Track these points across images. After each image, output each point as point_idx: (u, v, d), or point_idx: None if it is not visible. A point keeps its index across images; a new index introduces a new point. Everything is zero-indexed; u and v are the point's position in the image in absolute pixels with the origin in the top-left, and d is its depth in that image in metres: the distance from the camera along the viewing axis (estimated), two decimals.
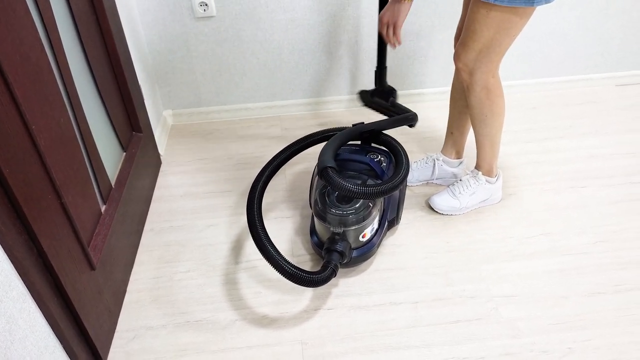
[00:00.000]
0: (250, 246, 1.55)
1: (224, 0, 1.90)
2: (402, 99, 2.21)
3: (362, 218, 1.35)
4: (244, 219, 1.66)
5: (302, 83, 2.16)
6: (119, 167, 1.53)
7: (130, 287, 1.44)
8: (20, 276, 0.93)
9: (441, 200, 1.62)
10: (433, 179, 1.74)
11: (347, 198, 1.37)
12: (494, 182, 1.62)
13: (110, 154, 1.47)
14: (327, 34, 2.03)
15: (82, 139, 1.25)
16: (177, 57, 2.03)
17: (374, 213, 1.38)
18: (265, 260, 1.25)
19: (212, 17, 1.94)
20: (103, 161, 1.37)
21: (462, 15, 1.48)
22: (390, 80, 1.80)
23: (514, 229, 1.59)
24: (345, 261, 1.36)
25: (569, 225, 1.59)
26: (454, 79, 1.58)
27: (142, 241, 1.60)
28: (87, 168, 1.25)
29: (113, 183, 1.45)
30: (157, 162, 1.90)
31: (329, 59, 2.10)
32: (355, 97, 1.59)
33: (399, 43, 1.47)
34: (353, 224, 1.35)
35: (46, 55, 1.07)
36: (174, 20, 1.93)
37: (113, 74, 1.52)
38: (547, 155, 1.91)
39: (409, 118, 1.58)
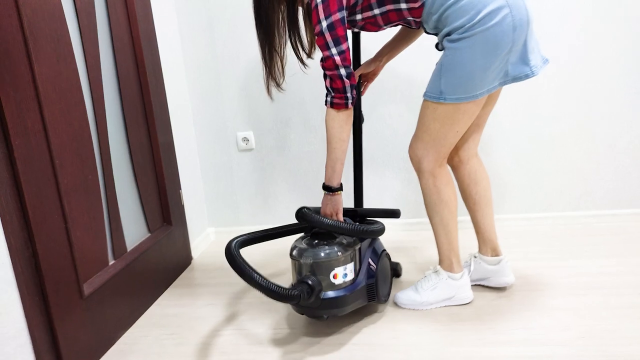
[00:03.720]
0: (230, 322, 1.68)
1: (261, 136, 2.38)
2: (422, 225, 2.35)
3: (332, 253, 1.45)
4: (244, 300, 1.82)
5: None
6: (140, 241, 1.84)
7: (122, 339, 1.62)
8: (13, 266, 1.21)
9: (403, 294, 1.66)
10: None
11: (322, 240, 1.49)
12: (457, 278, 1.61)
13: (134, 227, 1.81)
14: (348, 164, 2.35)
15: (107, 201, 1.62)
16: (222, 182, 2.47)
17: (347, 253, 1.47)
18: (233, 270, 1.33)
19: (251, 149, 2.40)
20: (124, 228, 1.71)
21: None
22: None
23: (494, 322, 1.53)
24: (313, 299, 1.41)
25: (555, 323, 1.50)
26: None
27: (149, 310, 1.81)
28: (103, 221, 1.59)
29: (129, 249, 1.75)
30: (186, 258, 2.20)
31: (352, 186, 2.38)
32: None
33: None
34: (322, 258, 1.44)
35: (89, 132, 1.52)
36: (222, 152, 2.42)
37: (155, 177, 1.95)
38: (555, 269, 1.86)
39: (395, 212, 1.75)
